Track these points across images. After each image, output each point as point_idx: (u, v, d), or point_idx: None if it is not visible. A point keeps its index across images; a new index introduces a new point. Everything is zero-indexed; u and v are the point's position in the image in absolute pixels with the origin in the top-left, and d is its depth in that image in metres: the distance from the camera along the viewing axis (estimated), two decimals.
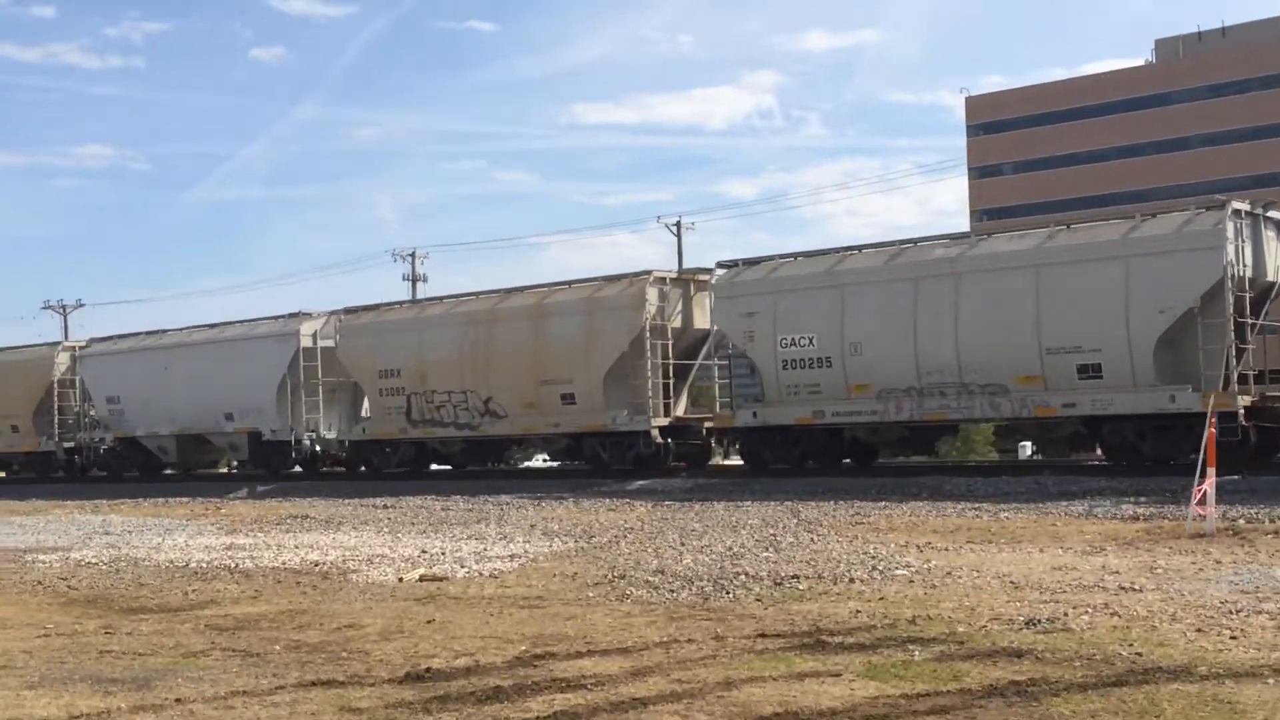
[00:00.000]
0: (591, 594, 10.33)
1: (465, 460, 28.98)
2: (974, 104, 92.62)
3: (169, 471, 34.43)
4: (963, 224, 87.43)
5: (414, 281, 64.13)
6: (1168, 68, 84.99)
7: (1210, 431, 13.35)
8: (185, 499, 25.65)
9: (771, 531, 14.17)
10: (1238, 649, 7.08)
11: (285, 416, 29.71)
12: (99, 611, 10.66)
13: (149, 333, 34.82)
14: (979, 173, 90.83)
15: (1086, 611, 8.38)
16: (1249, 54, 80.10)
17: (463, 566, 12.50)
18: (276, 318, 31.35)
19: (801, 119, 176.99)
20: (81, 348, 35.99)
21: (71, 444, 35.37)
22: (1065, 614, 8.30)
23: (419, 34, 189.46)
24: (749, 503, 18.31)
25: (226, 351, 31.39)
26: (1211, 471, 12.85)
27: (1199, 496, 12.86)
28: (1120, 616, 8.17)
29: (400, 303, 29.48)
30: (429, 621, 9.22)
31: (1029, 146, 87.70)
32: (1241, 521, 13.35)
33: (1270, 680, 6.30)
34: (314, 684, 7.17)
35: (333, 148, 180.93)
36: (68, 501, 26.27)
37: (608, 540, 14.17)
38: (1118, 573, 10.13)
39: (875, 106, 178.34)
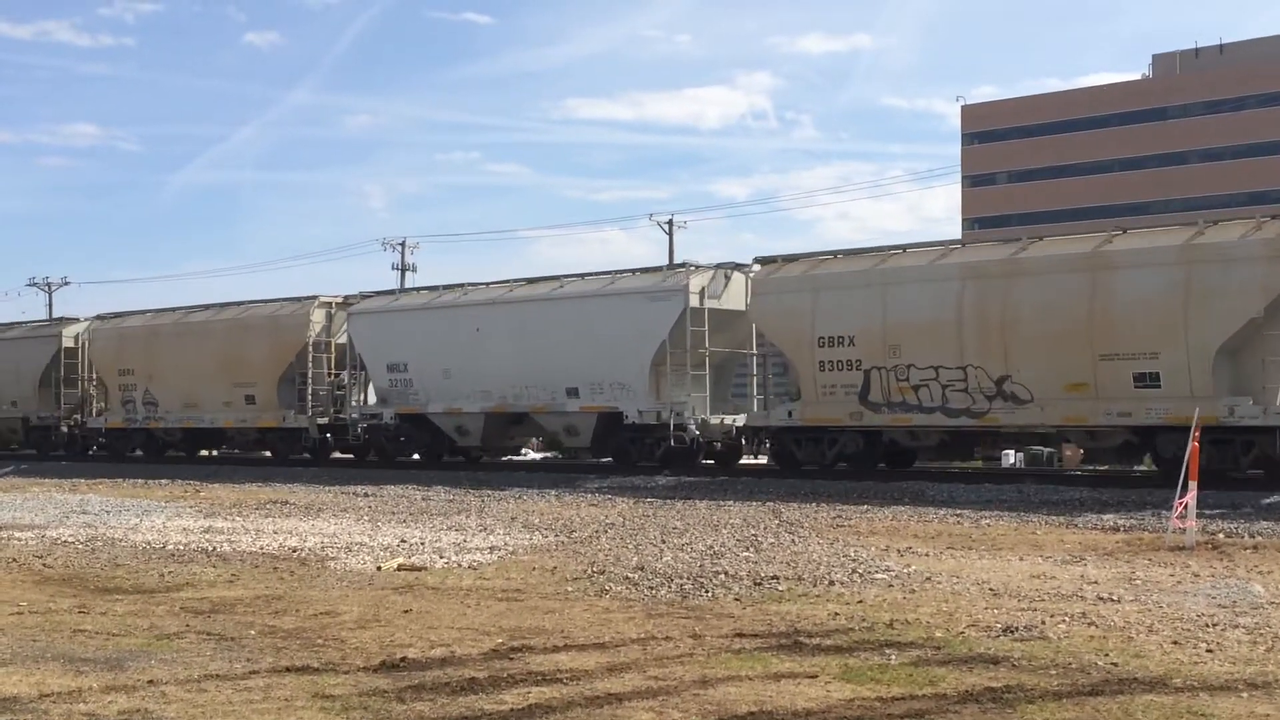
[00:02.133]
0: (570, 589, 10.30)
1: (938, 456, 22.76)
2: (970, 112, 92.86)
3: (447, 458, 27.72)
4: (954, 231, 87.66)
5: (403, 271, 63.99)
6: (1165, 83, 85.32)
7: (1194, 445, 13.37)
8: (166, 480, 25.53)
9: (752, 531, 14.16)
10: (1213, 662, 7.08)
11: (654, 394, 23.42)
12: (73, 591, 10.60)
13: (446, 287, 27.84)
14: (973, 181, 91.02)
15: (1064, 620, 8.38)
16: (1246, 72, 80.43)
17: (441, 557, 12.47)
18: (650, 270, 25.26)
19: (795, 121, 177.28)
20: (339, 304, 29.41)
21: (325, 419, 28.92)
22: (1043, 622, 8.30)
23: (414, 23, 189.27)
24: (731, 502, 18.31)
25: (575, 311, 24.55)
26: (1193, 485, 12.88)
27: (1179, 510, 12.89)
28: (1098, 626, 8.17)
29: (836, 252, 23.03)
30: (406, 611, 9.19)
31: (1024, 156, 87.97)
32: (1221, 536, 13.39)
33: (1244, 694, 6.30)
34: (288, 670, 7.14)
35: (324, 134, 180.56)
36: (46, 480, 26.15)
37: (588, 535, 14.15)
38: (1096, 583, 10.14)
39: (869, 111, 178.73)
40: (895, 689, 6.48)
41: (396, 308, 28.16)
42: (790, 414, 22.21)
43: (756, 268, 23.55)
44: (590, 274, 25.63)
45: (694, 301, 23.16)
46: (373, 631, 8.36)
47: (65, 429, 34.20)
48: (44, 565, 12.35)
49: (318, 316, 29.26)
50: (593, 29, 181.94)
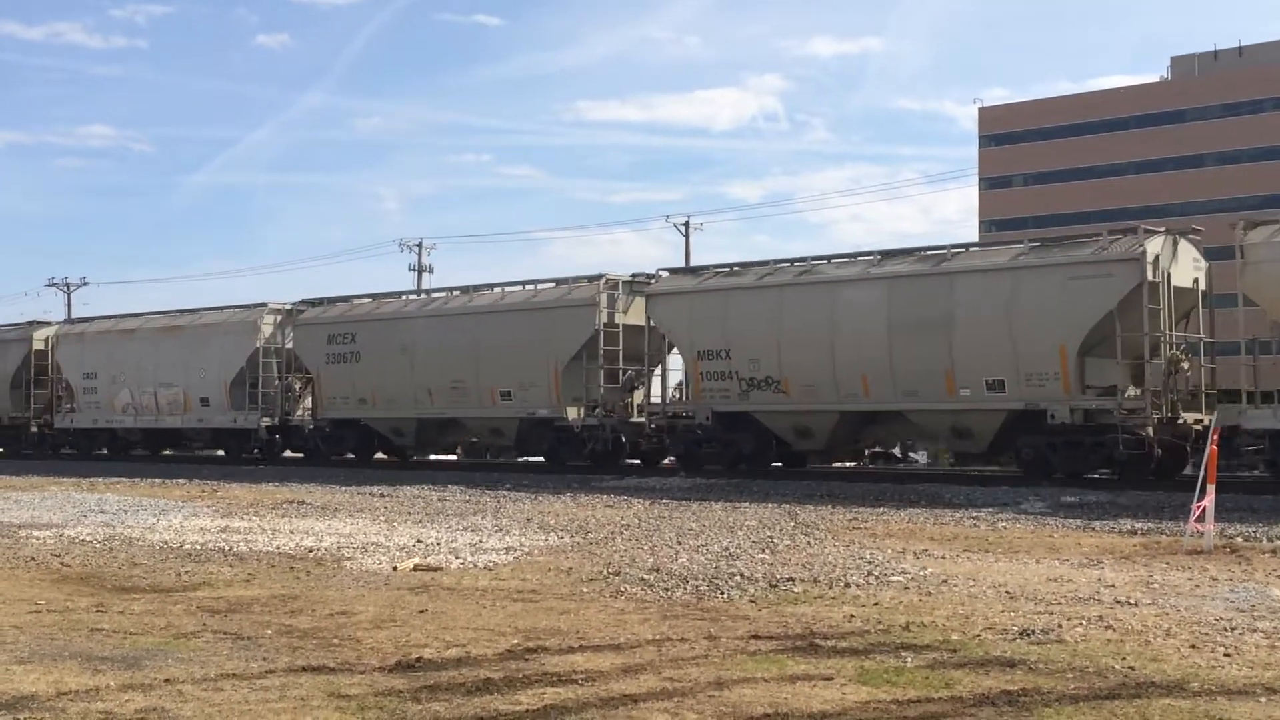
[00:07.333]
0: (586, 589, 10.31)
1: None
2: (987, 115, 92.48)
3: None
4: (969, 234, 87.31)
5: (419, 272, 64.15)
6: (1183, 85, 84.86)
7: (1212, 448, 13.29)
8: (183, 480, 25.63)
9: (768, 533, 14.14)
10: (1231, 666, 7.05)
11: None
12: (91, 589, 10.65)
13: None
14: (990, 183, 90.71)
15: (1081, 624, 8.35)
16: (1265, 74, 79.94)
17: (457, 557, 12.48)
18: None
19: (806, 123, 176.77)
20: None
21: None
22: (1059, 625, 8.26)
23: (425, 26, 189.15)
24: (746, 504, 18.29)
25: None
26: (1211, 488, 12.80)
27: (1198, 513, 12.81)
28: (1114, 630, 8.13)
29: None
30: (421, 611, 9.20)
31: (1041, 159, 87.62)
32: (1239, 539, 13.31)
33: (1263, 699, 6.26)
34: (304, 669, 7.15)
35: (337, 137, 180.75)
36: (64, 479, 26.26)
37: (604, 536, 14.14)
38: (1113, 586, 10.09)
39: (880, 113, 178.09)
40: (911, 691, 6.47)
41: None
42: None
43: None
44: None
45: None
46: (388, 631, 8.37)
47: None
48: (62, 564, 12.41)
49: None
50: (602, 31, 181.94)
